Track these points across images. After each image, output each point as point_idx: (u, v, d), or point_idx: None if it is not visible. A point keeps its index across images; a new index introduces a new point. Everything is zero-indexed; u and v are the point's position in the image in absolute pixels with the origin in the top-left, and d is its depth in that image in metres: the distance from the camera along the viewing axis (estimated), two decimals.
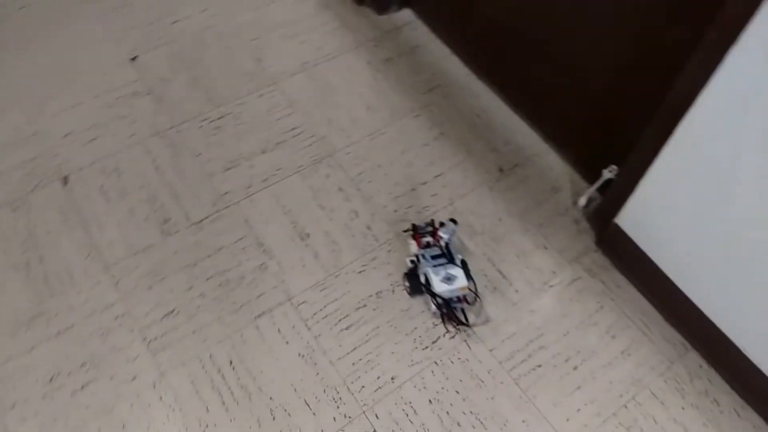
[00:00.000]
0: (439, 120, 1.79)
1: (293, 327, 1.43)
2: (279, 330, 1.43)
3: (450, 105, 1.83)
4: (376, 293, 1.49)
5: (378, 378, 1.38)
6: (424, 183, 1.67)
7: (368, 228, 1.59)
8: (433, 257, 1.46)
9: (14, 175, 1.63)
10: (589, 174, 1.64)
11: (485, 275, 1.53)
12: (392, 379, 1.38)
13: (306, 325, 1.44)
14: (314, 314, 1.45)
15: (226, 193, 1.62)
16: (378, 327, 1.45)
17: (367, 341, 1.42)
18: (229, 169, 1.67)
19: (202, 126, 1.74)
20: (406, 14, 2.03)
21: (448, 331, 1.45)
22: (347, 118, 1.79)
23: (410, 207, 1.62)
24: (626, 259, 1.54)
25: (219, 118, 1.76)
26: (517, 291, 1.52)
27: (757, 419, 1.38)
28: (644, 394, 1.40)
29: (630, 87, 1.46)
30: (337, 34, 1.97)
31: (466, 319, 1.45)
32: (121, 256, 1.50)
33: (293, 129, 1.75)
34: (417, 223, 1.54)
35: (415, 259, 1.49)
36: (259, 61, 1.89)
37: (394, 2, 2.02)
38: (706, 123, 1.17)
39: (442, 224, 1.51)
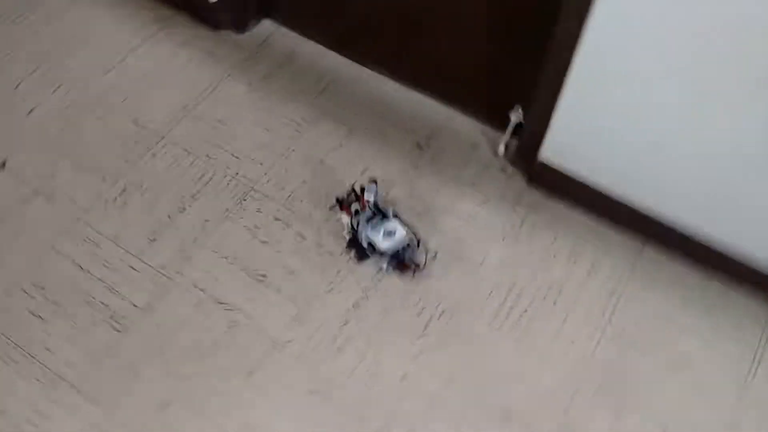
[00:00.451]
0: (342, 118, 1.78)
1: (290, 369, 1.40)
2: (278, 379, 1.39)
3: (346, 100, 1.82)
4: (353, 305, 1.49)
5: (391, 382, 1.39)
6: (353, 183, 1.67)
7: (319, 245, 1.57)
8: (368, 220, 1.50)
9: None
10: (499, 122, 1.71)
11: (446, 249, 1.57)
12: (404, 377, 1.40)
13: (301, 362, 1.41)
14: (304, 349, 1.43)
15: (162, 266, 1.53)
16: (369, 336, 1.45)
17: (366, 353, 1.43)
18: (154, 240, 1.57)
19: (107, 207, 1.62)
20: (268, 25, 1.98)
21: (411, 280, 1.51)
22: (252, 146, 1.73)
23: None
24: (560, 188, 1.63)
25: (122, 193, 1.64)
26: (477, 251, 1.57)
27: (716, 283, 1.54)
28: (622, 302, 1.51)
29: (512, 25, 1.52)
30: (205, 67, 1.89)
31: (418, 264, 1.51)
32: (86, 370, 1.38)
33: (202, 176, 1.68)
34: (339, 195, 1.56)
35: (351, 228, 1.51)
36: (136, 120, 1.77)
37: (252, 16, 1.96)
38: (603, 37, 1.24)
39: (363, 189, 1.53)
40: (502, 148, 1.71)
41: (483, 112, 1.77)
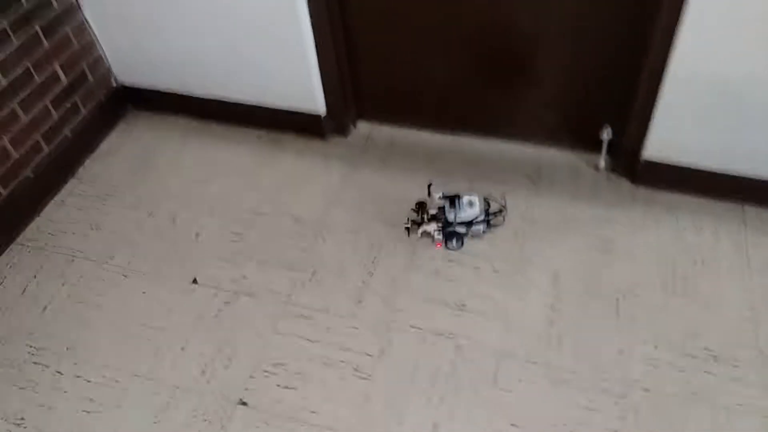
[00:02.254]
0: (459, 175, 2.10)
1: (524, 369, 1.61)
2: (518, 379, 1.59)
3: (455, 162, 2.16)
4: (550, 307, 1.73)
5: (610, 357, 1.62)
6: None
7: (495, 272, 1.83)
8: (451, 206, 1.83)
9: None
10: (585, 146, 2.08)
11: (598, 247, 1.86)
12: (620, 351, 1.63)
13: (530, 362, 1.62)
14: (527, 351, 1.64)
15: (376, 319, 1.74)
16: (574, 327, 1.69)
17: (578, 341, 1.66)
18: (360, 301, 1.78)
19: (306, 288, 1.83)
20: (364, 125, 2.34)
21: (504, 221, 1.92)
22: (398, 213, 2.01)
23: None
24: (666, 179, 1.97)
25: (313, 274, 1.86)
26: (624, 243, 1.87)
27: None
28: (750, 248, 1.83)
29: (592, 60, 1.90)
30: (328, 165, 2.20)
31: (500, 210, 1.92)
32: (352, 417, 1.55)
33: (372, 246, 1.93)
34: (410, 218, 1.92)
35: (440, 229, 1.85)
36: (295, 218, 2.03)
37: (350, 121, 2.32)
38: (697, 40, 1.61)
39: (422, 203, 1.91)
40: (602, 163, 2.07)
41: (571, 141, 2.15)
